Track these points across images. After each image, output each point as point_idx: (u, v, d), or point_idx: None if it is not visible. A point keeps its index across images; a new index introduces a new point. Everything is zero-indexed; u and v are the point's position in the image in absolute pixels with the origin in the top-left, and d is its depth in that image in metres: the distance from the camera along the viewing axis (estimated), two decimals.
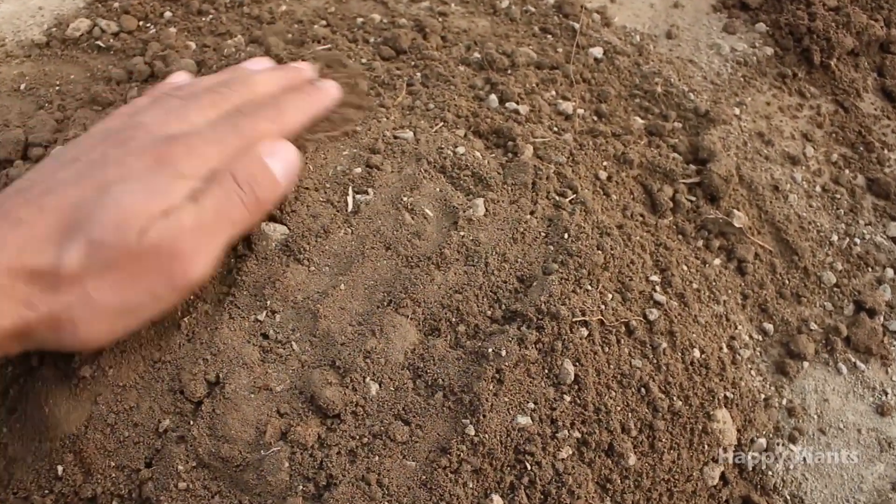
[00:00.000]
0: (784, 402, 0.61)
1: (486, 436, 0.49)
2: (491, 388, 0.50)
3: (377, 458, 0.48)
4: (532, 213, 0.59)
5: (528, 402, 0.50)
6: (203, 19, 0.80)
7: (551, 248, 0.57)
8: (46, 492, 0.48)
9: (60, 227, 0.44)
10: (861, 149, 0.77)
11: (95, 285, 0.44)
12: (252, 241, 0.55)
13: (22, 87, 0.75)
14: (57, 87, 0.74)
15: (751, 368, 0.61)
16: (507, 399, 0.50)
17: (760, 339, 0.64)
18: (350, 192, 0.59)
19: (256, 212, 0.51)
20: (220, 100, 0.54)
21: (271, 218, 0.55)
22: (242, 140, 0.52)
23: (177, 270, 0.46)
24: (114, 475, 0.48)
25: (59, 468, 0.48)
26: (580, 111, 0.71)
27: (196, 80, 0.59)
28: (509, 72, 0.73)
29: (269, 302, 0.53)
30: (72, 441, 0.49)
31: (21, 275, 0.43)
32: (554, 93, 0.72)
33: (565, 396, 0.51)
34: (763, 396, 0.61)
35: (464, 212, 0.58)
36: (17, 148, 0.67)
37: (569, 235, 0.58)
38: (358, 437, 0.48)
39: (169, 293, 0.47)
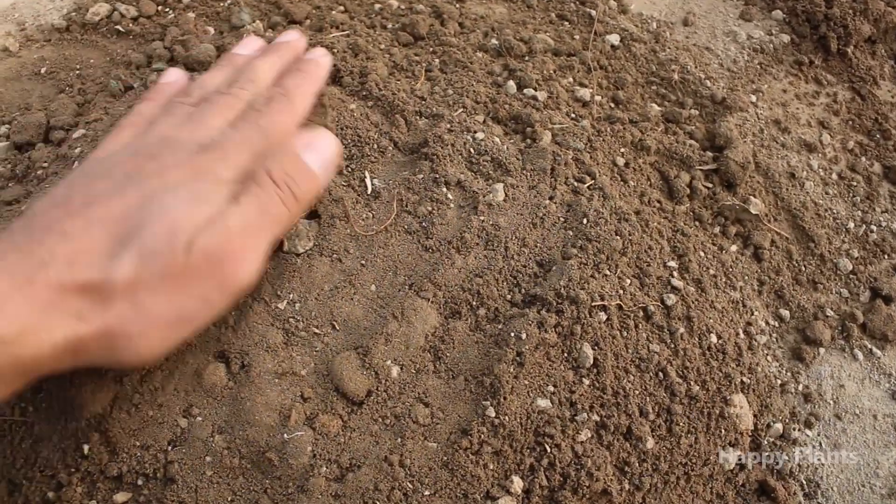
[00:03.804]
0: (800, 387, 0.62)
1: (507, 418, 0.49)
2: (511, 370, 0.50)
3: (399, 439, 0.48)
4: (551, 198, 0.60)
5: (547, 385, 0.51)
6: (221, 4, 0.80)
7: (570, 233, 0.58)
8: (73, 470, 0.48)
9: (110, 238, 0.43)
10: (878, 136, 0.77)
11: (149, 296, 0.43)
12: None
13: (43, 70, 0.75)
14: (77, 72, 0.75)
15: (767, 354, 0.62)
16: (526, 382, 0.51)
17: (777, 325, 0.64)
18: (367, 175, 0.59)
19: (296, 207, 0.50)
20: (233, 101, 0.54)
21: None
22: (267, 136, 0.52)
23: (227, 274, 0.46)
24: (139, 454, 0.48)
25: (85, 447, 0.48)
26: (597, 98, 0.71)
27: (200, 81, 0.58)
28: (527, 58, 0.73)
29: (292, 286, 0.53)
30: (97, 420, 0.49)
31: (72, 289, 0.42)
32: (571, 79, 0.73)
33: (584, 380, 0.52)
34: (779, 382, 0.61)
35: (483, 197, 0.58)
36: (39, 131, 0.67)
37: (587, 221, 0.58)
38: (380, 420, 0.49)
39: (221, 298, 0.47)
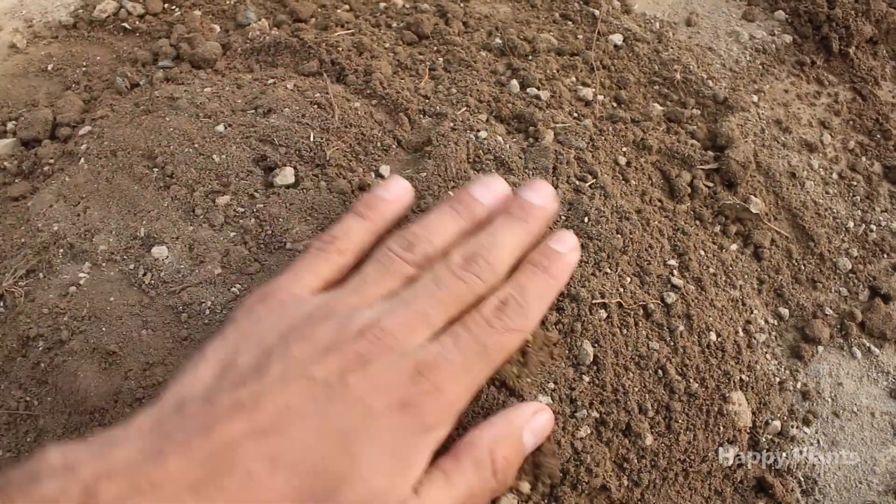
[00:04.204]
0: (799, 385, 0.62)
1: None
2: (514, 370, 0.51)
3: None
4: None
5: (548, 382, 0.51)
6: (227, 2, 0.81)
7: (572, 231, 0.58)
8: None
9: (298, 495, 0.36)
10: (878, 136, 0.78)
11: None
12: None
13: (49, 67, 0.76)
14: (84, 69, 0.75)
15: (766, 352, 0.62)
16: (528, 379, 0.51)
17: (776, 323, 0.64)
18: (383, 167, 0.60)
19: (498, 494, 0.44)
20: (463, 291, 0.44)
21: None
22: (493, 362, 0.43)
23: None
24: None
25: None
26: (600, 97, 0.72)
27: (426, 227, 0.48)
28: (530, 58, 0.74)
29: None
30: (101, 414, 0.50)
31: None
32: (574, 79, 0.73)
33: (584, 377, 0.52)
34: (778, 380, 0.62)
35: None
36: (46, 128, 0.68)
37: (589, 219, 0.59)
38: None
39: None
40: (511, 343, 0.44)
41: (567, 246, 0.49)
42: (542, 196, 0.50)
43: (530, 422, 0.45)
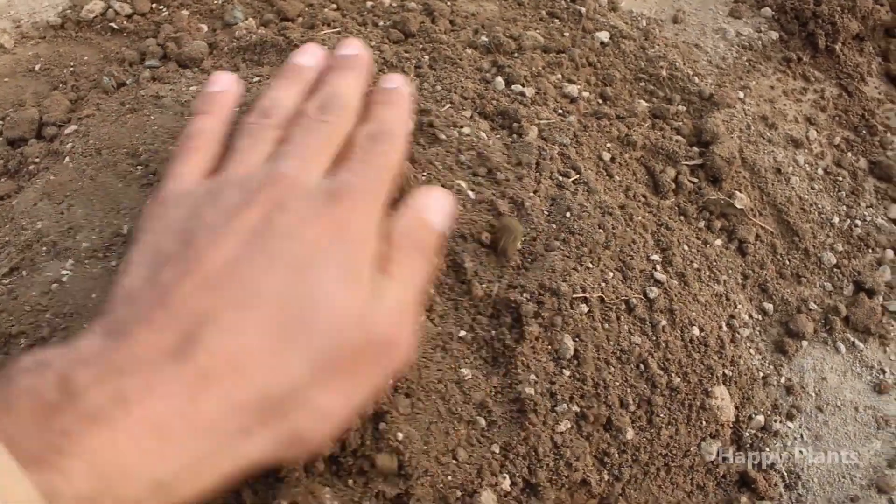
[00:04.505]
0: (782, 380, 0.62)
1: None
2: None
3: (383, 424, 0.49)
4: (535, 192, 0.60)
5: (529, 376, 0.52)
6: (215, 1, 0.81)
7: (553, 226, 0.58)
8: None
9: (271, 334, 0.38)
10: (864, 132, 0.78)
11: (320, 395, 0.39)
12: None
13: (37, 67, 0.76)
14: (71, 68, 0.76)
15: (750, 347, 0.62)
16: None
17: (760, 318, 0.65)
18: None
19: (429, 273, 0.48)
20: (332, 131, 0.48)
21: None
22: (384, 184, 0.47)
23: (393, 357, 0.43)
24: None
25: None
26: (585, 94, 0.72)
27: (271, 96, 0.52)
28: (516, 55, 0.74)
29: None
30: None
31: (240, 405, 0.37)
32: (560, 76, 0.73)
33: (565, 371, 0.53)
34: (762, 374, 0.62)
35: None
36: (32, 127, 0.68)
37: (571, 214, 0.59)
38: None
39: (385, 378, 0.45)
40: (393, 164, 0.48)
41: (397, 82, 0.54)
42: (356, 47, 0.55)
43: (422, 202, 0.49)
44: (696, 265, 0.63)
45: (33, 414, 0.32)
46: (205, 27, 0.78)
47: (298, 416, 0.39)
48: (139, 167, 0.59)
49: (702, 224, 0.66)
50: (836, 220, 0.71)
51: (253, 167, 0.46)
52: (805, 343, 0.64)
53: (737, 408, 0.59)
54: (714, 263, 0.64)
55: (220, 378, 0.36)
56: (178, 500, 0.35)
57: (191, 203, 0.44)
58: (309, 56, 0.55)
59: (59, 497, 0.30)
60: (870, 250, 0.70)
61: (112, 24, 0.80)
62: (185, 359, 0.36)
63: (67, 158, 0.61)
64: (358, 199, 0.44)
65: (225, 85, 0.54)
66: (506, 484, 0.49)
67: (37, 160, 0.64)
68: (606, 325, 0.55)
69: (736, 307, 0.63)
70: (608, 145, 0.68)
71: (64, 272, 0.54)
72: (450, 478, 0.48)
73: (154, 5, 0.82)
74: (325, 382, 0.39)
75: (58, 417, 0.33)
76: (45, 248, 0.56)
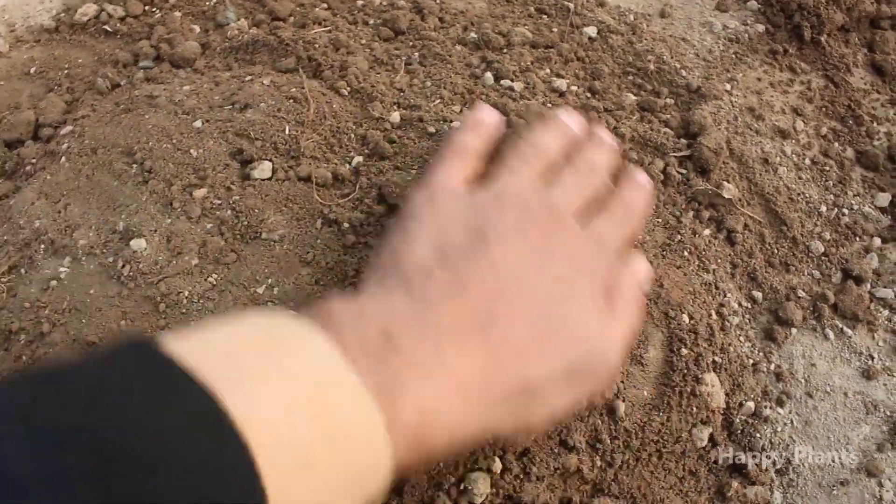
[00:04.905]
0: (772, 366, 0.63)
1: None
2: None
3: None
4: None
5: None
6: (207, 3, 0.82)
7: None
8: None
9: (543, 336, 0.45)
10: (850, 122, 0.79)
11: (555, 395, 0.45)
12: None
13: (32, 70, 0.77)
14: (66, 71, 0.76)
15: (740, 335, 0.63)
16: None
17: (749, 306, 0.65)
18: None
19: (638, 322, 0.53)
20: (584, 185, 0.54)
21: None
22: (617, 243, 0.53)
23: (606, 380, 0.49)
24: None
25: None
26: (574, 88, 0.73)
27: (534, 140, 0.56)
28: (505, 51, 0.75)
29: None
30: None
31: (502, 395, 0.43)
32: (549, 71, 0.74)
33: None
34: (751, 361, 0.63)
35: None
36: (28, 129, 0.69)
37: None
38: None
39: (593, 396, 0.53)
40: (624, 234, 0.54)
41: (640, 180, 0.58)
42: (605, 136, 0.59)
43: (637, 267, 0.54)
44: (685, 254, 0.64)
45: (367, 357, 0.38)
46: (197, 28, 0.79)
47: (536, 406, 0.45)
48: (134, 166, 0.60)
49: (690, 214, 0.67)
50: (823, 209, 0.71)
51: (523, 188, 0.51)
52: (794, 330, 0.65)
53: (727, 394, 0.60)
54: (703, 253, 0.65)
55: (505, 358, 0.43)
56: (445, 452, 0.42)
57: (477, 204, 0.49)
58: (576, 121, 0.59)
59: (392, 423, 0.37)
60: (857, 238, 0.70)
61: (105, 27, 0.81)
62: (486, 335, 0.43)
63: (63, 158, 0.62)
64: (608, 249, 0.51)
65: (490, 118, 0.57)
66: (496, 465, 0.50)
67: (33, 161, 0.65)
68: None
69: (725, 296, 0.64)
70: None
71: (62, 269, 0.55)
72: (443, 463, 0.49)
73: (147, 7, 0.83)
74: (561, 385, 0.45)
75: (386, 363, 0.39)
76: (43, 247, 0.57)
